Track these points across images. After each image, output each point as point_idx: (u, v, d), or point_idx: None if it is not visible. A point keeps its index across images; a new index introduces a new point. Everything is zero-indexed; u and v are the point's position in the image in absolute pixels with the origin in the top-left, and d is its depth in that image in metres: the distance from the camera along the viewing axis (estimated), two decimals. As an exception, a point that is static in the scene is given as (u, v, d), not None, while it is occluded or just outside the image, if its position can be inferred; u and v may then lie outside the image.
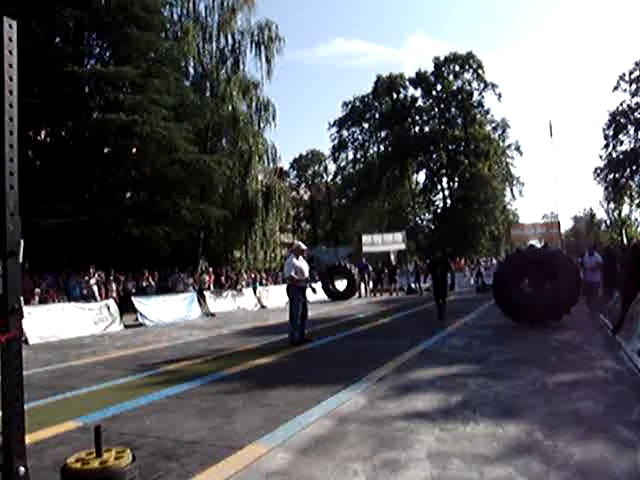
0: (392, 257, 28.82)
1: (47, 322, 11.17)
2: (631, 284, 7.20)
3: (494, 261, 29.05)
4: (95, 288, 14.20)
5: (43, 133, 19.39)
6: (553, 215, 49.09)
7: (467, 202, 44.75)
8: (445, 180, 48.66)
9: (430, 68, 47.16)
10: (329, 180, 56.17)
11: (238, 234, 26.09)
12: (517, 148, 50.62)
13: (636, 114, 39.98)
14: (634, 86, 39.92)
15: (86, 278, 14.36)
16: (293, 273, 8.17)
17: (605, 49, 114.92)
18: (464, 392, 4.63)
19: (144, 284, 16.81)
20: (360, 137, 51.88)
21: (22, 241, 2.25)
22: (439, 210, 49.09)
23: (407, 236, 33.39)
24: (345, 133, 51.79)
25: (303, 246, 8.77)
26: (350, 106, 51.13)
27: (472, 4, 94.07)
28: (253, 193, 25.83)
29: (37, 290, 13.50)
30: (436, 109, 48.22)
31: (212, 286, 18.57)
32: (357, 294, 21.48)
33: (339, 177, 53.35)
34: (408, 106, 48.78)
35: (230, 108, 25.41)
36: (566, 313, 9.20)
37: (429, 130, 48.54)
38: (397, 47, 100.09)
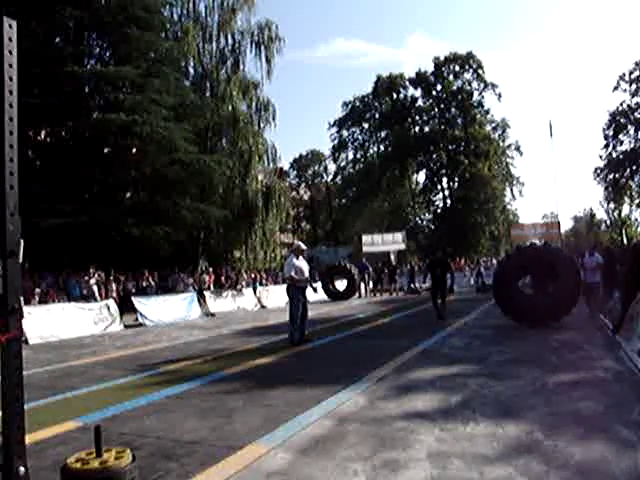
0: (392, 257, 28.82)
1: (47, 322, 11.17)
2: (631, 284, 7.20)
3: (494, 261, 29.04)
4: (95, 288, 14.20)
5: (43, 133, 19.40)
6: (553, 215, 49.12)
7: (467, 202, 44.74)
8: (445, 180, 48.67)
9: (430, 68, 47.23)
10: (329, 180, 56.19)
11: (238, 234, 26.09)
12: (517, 148, 50.66)
13: (636, 114, 39.98)
14: (634, 86, 39.92)
15: (86, 278, 14.37)
16: (293, 273, 8.17)
17: (605, 49, 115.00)
18: (464, 392, 4.63)
19: (144, 284, 16.82)
20: (360, 137, 51.90)
21: (22, 241, 2.24)
22: (439, 210, 49.09)
23: (407, 236, 33.41)
24: (345, 133, 51.81)
25: (303, 246, 8.77)
26: (350, 106, 51.13)
27: (472, 4, 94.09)
28: (253, 193, 25.83)
29: (37, 290, 13.51)
30: (436, 109, 48.21)
31: (212, 286, 18.57)
32: (357, 294, 21.48)
33: (339, 177, 53.35)
34: (408, 106, 48.78)
35: (230, 108, 25.41)
36: (566, 314, 9.19)
37: (429, 130, 48.54)
38: (397, 47, 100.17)
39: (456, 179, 47.47)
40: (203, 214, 20.25)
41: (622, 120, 40.39)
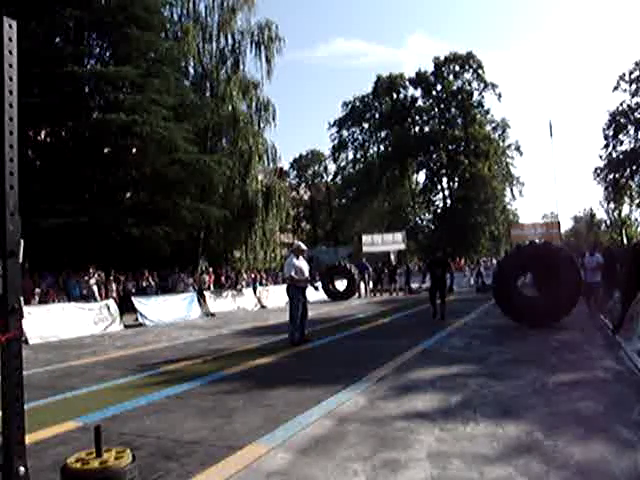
0: (392, 257, 28.82)
1: (47, 322, 11.17)
2: (631, 284, 7.20)
3: (494, 261, 29.04)
4: (95, 288, 14.21)
5: (43, 133, 19.40)
6: (553, 215, 49.23)
7: (467, 202, 44.74)
8: (445, 180, 48.67)
9: (430, 68, 47.23)
10: (329, 180, 56.20)
11: (238, 234, 26.09)
12: (517, 148, 50.66)
13: (636, 114, 39.97)
14: (634, 86, 39.91)
15: (86, 278, 14.37)
16: (293, 273, 8.17)
17: (605, 49, 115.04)
18: (464, 392, 4.63)
19: (144, 284, 16.82)
20: (360, 137, 51.90)
21: (22, 241, 2.24)
22: (439, 210, 49.08)
23: (407, 236, 33.40)
24: (345, 133, 51.82)
25: (303, 246, 8.77)
26: (350, 106, 51.14)
27: (472, 4, 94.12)
28: (253, 193, 25.83)
29: (37, 290, 13.52)
30: (436, 109, 48.21)
31: (212, 286, 18.57)
32: (357, 294, 21.48)
33: (339, 177, 53.35)
34: (408, 106, 48.77)
35: (230, 108, 25.41)
36: (566, 315, 9.17)
37: (429, 130, 48.54)
38: (397, 47, 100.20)
39: (456, 179, 47.47)
40: (203, 214, 20.25)
41: (622, 120, 40.38)
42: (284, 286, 9.08)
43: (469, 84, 47.01)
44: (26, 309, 10.52)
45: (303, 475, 2.90)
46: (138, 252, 18.74)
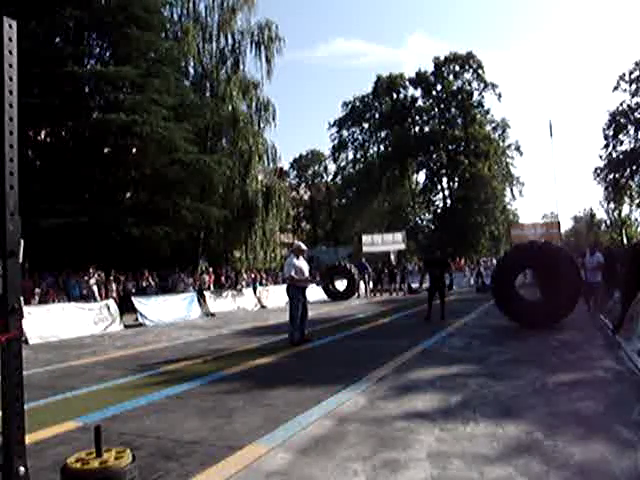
0: (392, 257, 28.83)
1: (47, 322, 11.17)
2: (631, 284, 7.20)
3: (494, 261, 29.04)
4: (95, 288, 14.21)
5: (43, 133, 19.41)
6: (553, 215, 49.20)
7: (467, 202, 44.76)
8: (445, 180, 48.71)
9: (430, 68, 47.28)
10: (329, 180, 56.22)
11: (238, 234, 26.09)
12: (517, 148, 50.69)
13: (636, 114, 39.98)
14: (634, 86, 39.92)
15: (86, 278, 14.38)
16: (293, 273, 8.16)
17: (605, 49, 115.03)
18: (464, 392, 4.63)
19: (144, 284, 16.83)
20: (360, 137, 51.92)
21: (22, 241, 2.24)
22: (439, 210, 49.11)
23: (407, 236, 33.41)
24: (345, 133, 51.85)
25: (303, 246, 8.76)
26: (350, 106, 51.16)
27: (472, 4, 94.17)
28: (253, 193, 25.83)
29: (37, 290, 13.53)
30: (436, 109, 48.23)
31: (212, 286, 18.58)
32: (357, 294, 21.49)
33: (339, 177, 53.37)
34: (408, 106, 48.79)
35: (230, 108, 25.41)
36: (566, 317, 9.12)
37: (429, 130, 48.56)
38: (397, 47, 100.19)
39: (456, 179, 47.49)
40: (203, 214, 20.25)
41: (622, 120, 40.39)
42: (284, 286, 9.08)
43: (469, 84, 47.05)
44: (26, 309, 10.53)
45: (303, 475, 2.90)
46: (138, 252, 18.75)
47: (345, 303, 18.80)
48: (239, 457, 3.23)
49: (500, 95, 46.79)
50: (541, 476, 2.73)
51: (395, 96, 49.84)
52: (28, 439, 2.38)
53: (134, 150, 19.82)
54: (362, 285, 22.03)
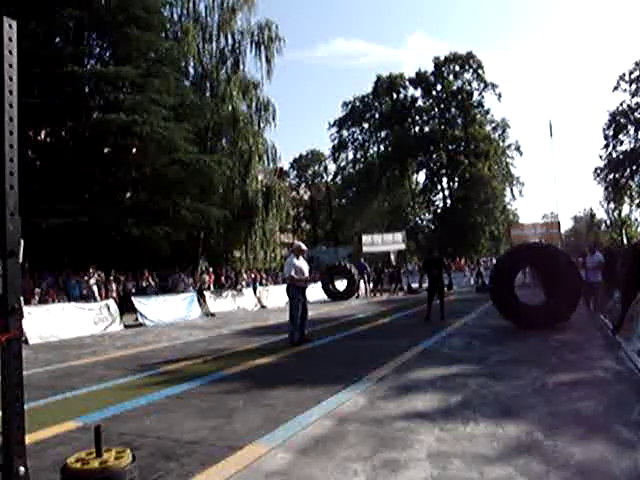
0: (392, 257, 28.82)
1: (47, 322, 11.17)
2: (631, 284, 7.20)
3: (494, 261, 29.03)
4: (95, 288, 14.21)
5: (43, 133, 19.40)
6: (553, 215, 49.18)
7: (467, 202, 44.78)
8: (445, 180, 48.75)
9: (430, 68, 47.33)
10: (329, 180, 56.22)
11: (238, 234, 26.09)
12: (517, 148, 50.73)
13: (636, 114, 39.99)
14: (634, 86, 39.93)
15: (86, 278, 14.37)
16: (293, 273, 8.16)
17: (605, 49, 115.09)
18: (464, 392, 4.62)
19: (144, 284, 16.83)
20: (360, 137, 51.96)
21: (22, 241, 2.24)
22: (439, 210, 49.13)
23: (407, 236, 33.37)
24: (345, 133, 51.88)
25: (303, 246, 8.76)
26: (350, 106, 51.18)
27: (472, 4, 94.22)
28: (253, 193, 25.83)
29: (37, 290, 13.52)
30: (436, 109, 48.25)
31: (212, 286, 18.57)
32: (357, 294, 21.49)
33: (339, 177, 53.39)
34: (408, 106, 48.81)
35: (230, 108, 25.41)
36: (566, 319, 9.08)
37: (429, 130, 48.59)
38: (397, 47, 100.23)
39: (456, 179, 47.51)
40: (203, 214, 20.25)
41: (622, 120, 40.40)
42: (284, 286, 9.07)
43: (469, 84, 47.07)
44: (26, 309, 10.53)
45: (303, 475, 2.90)
46: (138, 252, 18.74)
47: (345, 303, 18.80)
48: (239, 457, 3.23)
49: (500, 95, 46.92)
50: (541, 476, 2.73)
51: (395, 96, 49.86)
52: (28, 439, 2.38)
53: (134, 150, 19.81)
54: (362, 285, 22.04)
